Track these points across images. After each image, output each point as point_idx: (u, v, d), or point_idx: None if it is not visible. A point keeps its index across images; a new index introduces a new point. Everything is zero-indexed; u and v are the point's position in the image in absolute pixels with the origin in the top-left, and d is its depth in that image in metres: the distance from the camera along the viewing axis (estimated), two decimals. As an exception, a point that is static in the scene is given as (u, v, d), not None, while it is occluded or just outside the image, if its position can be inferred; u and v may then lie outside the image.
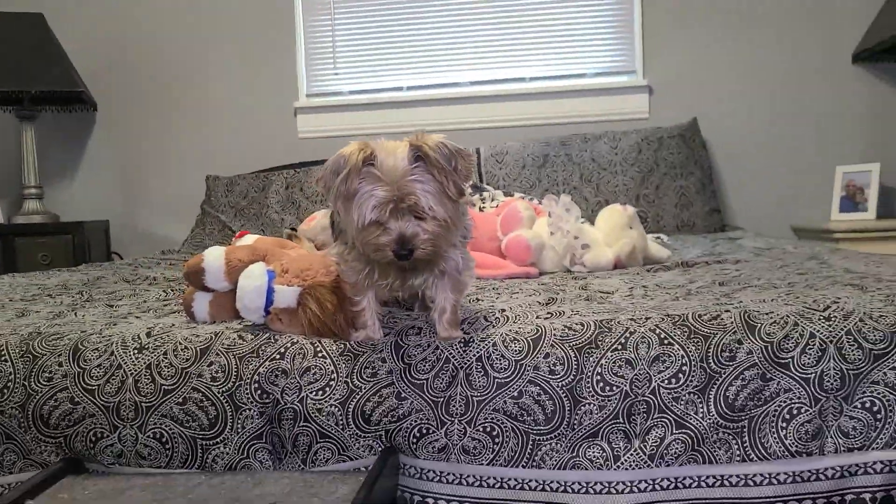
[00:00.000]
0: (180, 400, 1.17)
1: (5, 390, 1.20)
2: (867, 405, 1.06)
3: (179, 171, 3.60)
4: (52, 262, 3.14)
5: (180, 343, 1.21)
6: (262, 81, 3.55)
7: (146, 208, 3.64)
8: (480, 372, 1.13)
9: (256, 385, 1.17)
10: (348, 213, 1.07)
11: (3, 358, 1.23)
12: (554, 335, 1.14)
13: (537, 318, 1.22)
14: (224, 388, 1.17)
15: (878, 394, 1.06)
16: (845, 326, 1.09)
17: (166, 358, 1.20)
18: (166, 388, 1.18)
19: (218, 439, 1.17)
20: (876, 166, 3.05)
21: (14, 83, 3.17)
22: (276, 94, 3.54)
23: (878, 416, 1.05)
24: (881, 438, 1.05)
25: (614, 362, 1.11)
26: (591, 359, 1.11)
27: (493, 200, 2.45)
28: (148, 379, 1.19)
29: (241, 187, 3.35)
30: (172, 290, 1.76)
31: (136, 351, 1.21)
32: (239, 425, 1.16)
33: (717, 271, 1.66)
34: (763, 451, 1.06)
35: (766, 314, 1.12)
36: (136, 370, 1.19)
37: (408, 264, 1.09)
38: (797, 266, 1.64)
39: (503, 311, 1.27)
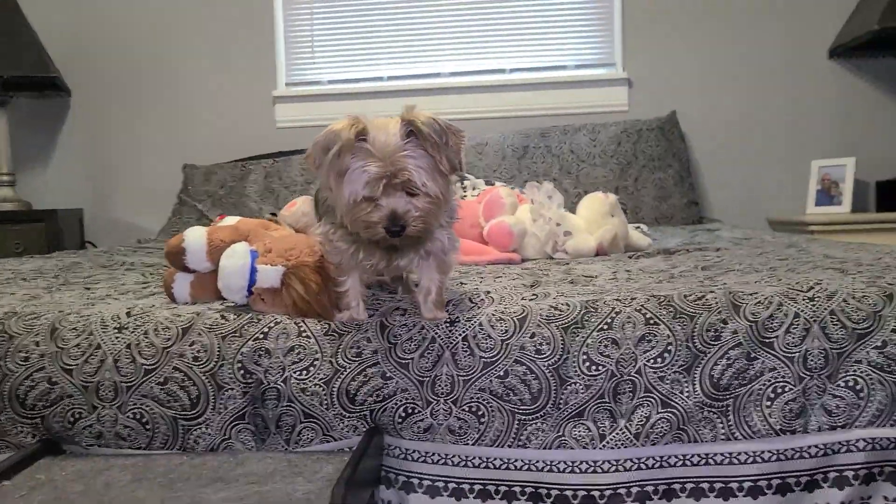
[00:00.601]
0: (161, 380, 1.15)
1: (-20, 371, 1.17)
2: (850, 384, 1.07)
3: (155, 159, 3.54)
4: (24, 250, 3.08)
5: (161, 322, 1.19)
6: (241, 70, 3.51)
7: (121, 197, 3.58)
8: (466, 351, 1.13)
9: (239, 365, 1.15)
10: (339, 189, 1.06)
11: (-23, 338, 1.20)
12: (540, 315, 1.14)
13: (522, 299, 1.22)
14: (206, 368, 1.15)
15: (862, 372, 1.07)
16: (829, 306, 1.10)
17: (147, 337, 1.18)
18: (147, 367, 1.16)
19: (199, 419, 1.15)
20: (851, 160, 3.09)
21: (-15, 68, 3.10)
22: (254, 82, 3.50)
23: (861, 395, 1.07)
24: (864, 417, 1.06)
25: (600, 342, 1.11)
26: (577, 338, 1.11)
27: (474, 189, 2.44)
28: (128, 359, 1.16)
29: (219, 176, 3.31)
30: (151, 275, 1.73)
31: (115, 330, 1.19)
32: (221, 405, 1.15)
33: (699, 258, 1.67)
34: (748, 430, 1.07)
35: (751, 294, 1.13)
36: (115, 350, 1.17)
37: (398, 241, 1.08)
38: (777, 253, 1.66)
39: (488, 292, 1.27)
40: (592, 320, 1.13)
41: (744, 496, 1.06)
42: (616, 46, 3.39)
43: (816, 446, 1.06)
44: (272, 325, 1.18)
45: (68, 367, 1.17)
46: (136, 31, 3.52)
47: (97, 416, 1.15)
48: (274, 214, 2.12)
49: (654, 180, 3.09)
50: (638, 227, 2.36)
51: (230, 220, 1.47)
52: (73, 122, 3.57)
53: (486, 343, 1.13)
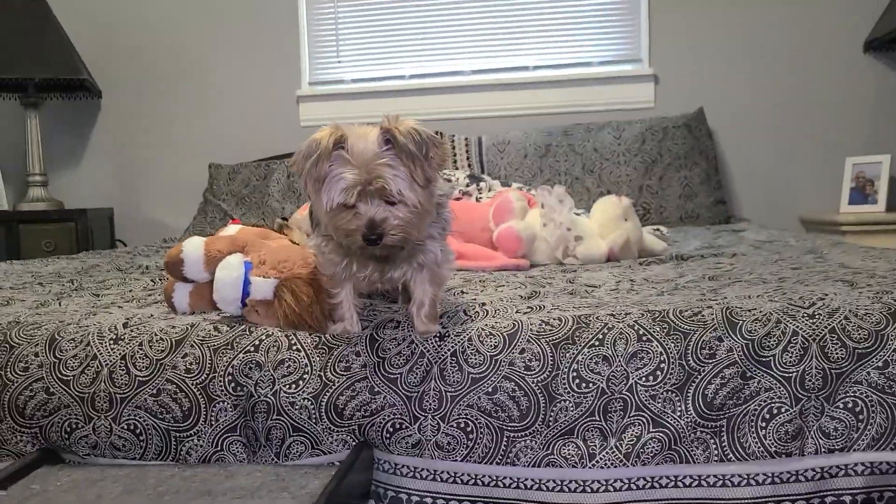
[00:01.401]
0: (154, 391, 1.16)
1: (-19, 380, 1.20)
2: (849, 405, 1.03)
3: (182, 159, 3.59)
4: (55, 249, 3.15)
5: (156, 334, 1.20)
6: (266, 69, 3.53)
7: (150, 196, 3.64)
8: (455, 367, 1.11)
9: (230, 377, 1.15)
10: (318, 197, 1.06)
11: (-21, 347, 1.22)
12: (531, 330, 1.12)
13: (517, 312, 1.20)
14: (198, 380, 1.16)
15: (861, 394, 1.03)
16: (829, 324, 1.06)
17: (141, 349, 1.19)
18: (141, 379, 1.17)
19: (191, 431, 1.16)
20: (886, 158, 2.99)
21: (18, 70, 3.17)
22: (278, 82, 3.52)
23: (861, 417, 1.02)
24: (863, 440, 1.02)
25: (591, 358, 1.09)
26: (567, 355, 1.09)
27: (489, 191, 2.42)
28: (123, 370, 1.18)
29: (242, 176, 3.34)
30: (161, 280, 1.75)
31: (111, 342, 1.20)
32: (212, 418, 1.15)
33: (711, 265, 1.63)
34: (742, 452, 1.04)
35: (749, 311, 1.09)
36: (111, 361, 1.19)
37: (378, 250, 1.07)
38: (793, 260, 1.61)
39: (483, 304, 1.25)
40: (584, 336, 1.10)
41: (737, 520, 1.03)
42: (642, 42, 3.32)
43: (813, 470, 1.02)
44: (263, 337, 1.18)
45: (65, 378, 1.18)
46: (164, 33, 3.56)
47: (93, 426, 1.17)
48: (285, 220, 2.14)
49: (680, 179, 3.02)
50: (657, 230, 2.32)
51: (232, 229, 1.47)
52: (104, 124, 3.63)
53: (475, 359, 1.11)
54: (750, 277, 1.40)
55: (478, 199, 2.40)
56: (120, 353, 1.19)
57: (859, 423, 1.02)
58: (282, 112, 3.51)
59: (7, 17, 3.21)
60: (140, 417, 1.16)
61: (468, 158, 3.18)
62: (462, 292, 1.43)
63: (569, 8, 3.37)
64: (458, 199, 2.35)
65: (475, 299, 1.31)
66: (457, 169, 3.01)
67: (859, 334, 1.04)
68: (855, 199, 3.06)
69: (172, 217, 3.58)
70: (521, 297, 1.33)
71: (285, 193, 3.22)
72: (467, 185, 2.45)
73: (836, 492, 1.02)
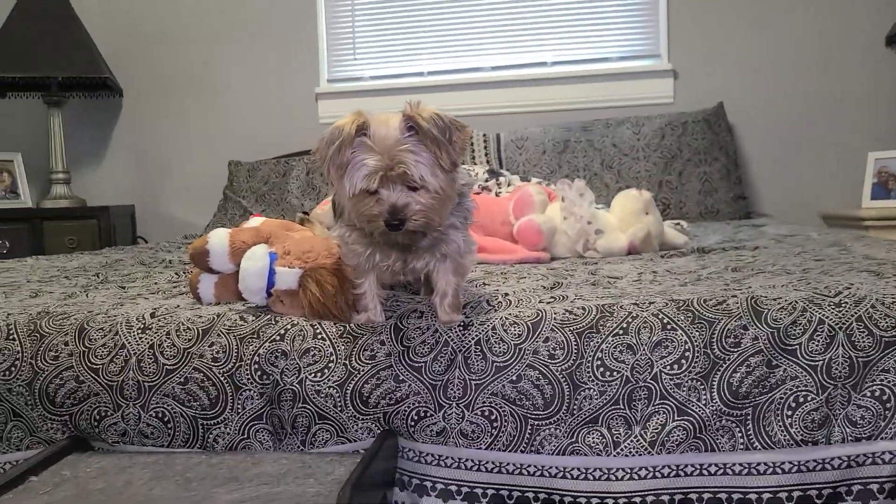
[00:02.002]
0: (182, 380, 1.18)
1: (13, 368, 1.22)
2: (877, 394, 1.02)
3: (203, 156, 3.62)
4: (78, 245, 3.18)
5: (183, 324, 1.22)
6: (284, 67, 3.55)
7: (170, 193, 3.68)
8: (479, 356, 1.12)
9: (256, 366, 1.17)
10: (341, 183, 1.07)
11: (10, 336, 1.24)
12: (554, 319, 1.12)
13: (540, 302, 1.20)
14: (225, 369, 1.17)
15: (889, 382, 1.02)
16: (856, 313, 1.05)
17: (169, 338, 1.20)
18: (168, 367, 1.18)
19: (219, 419, 1.17)
20: (909, 152, 2.96)
21: (41, 69, 3.21)
22: (297, 79, 3.54)
23: (888, 406, 1.02)
24: (890, 428, 1.02)
25: (615, 347, 1.09)
26: (591, 343, 1.10)
27: (509, 185, 2.42)
28: (151, 359, 1.19)
29: (262, 173, 3.36)
30: (185, 273, 1.77)
31: (139, 331, 1.22)
32: (239, 405, 1.17)
33: (733, 257, 1.63)
34: (768, 440, 1.04)
35: (774, 300, 1.09)
36: (139, 350, 1.20)
37: (400, 237, 1.08)
38: (816, 253, 1.60)
39: (506, 295, 1.26)
40: (608, 325, 1.11)
41: (762, 508, 1.02)
42: (661, 37, 3.31)
43: (840, 458, 1.02)
44: (289, 326, 1.19)
45: (95, 367, 1.20)
46: (184, 33, 3.60)
47: (121, 414, 1.19)
48: (306, 213, 2.15)
49: (700, 174, 3.01)
50: (678, 224, 2.31)
51: (255, 222, 1.49)
52: (125, 122, 3.67)
53: (499, 347, 1.12)
54: (773, 269, 1.40)
55: (497, 194, 2.40)
56: (148, 342, 1.21)
57: (886, 412, 1.02)
58: (300, 109, 3.53)
59: (30, 16, 3.25)
60: (168, 405, 1.18)
61: (486, 154, 3.19)
62: (484, 284, 1.43)
63: (587, 3, 3.37)
64: (476, 193, 2.36)
65: (497, 290, 1.32)
66: (475, 164, 3.02)
67: (886, 322, 1.04)
68: (878, 194, 3.03)
69: (193, 214, 3.61)
70: (544, 287, 1.34)
71: (304, 190, 3.24)
72: (486, 180, 2.45)
73: (863, 480, 1.01)
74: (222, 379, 1.17)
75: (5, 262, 2.06)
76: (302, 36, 3.52)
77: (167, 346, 1.20)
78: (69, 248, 3.16)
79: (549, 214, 1.89)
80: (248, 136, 3.58)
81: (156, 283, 1.63)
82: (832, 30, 3.16)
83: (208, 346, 1.19)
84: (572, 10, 3.38)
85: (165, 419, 1.18)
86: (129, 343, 1.21)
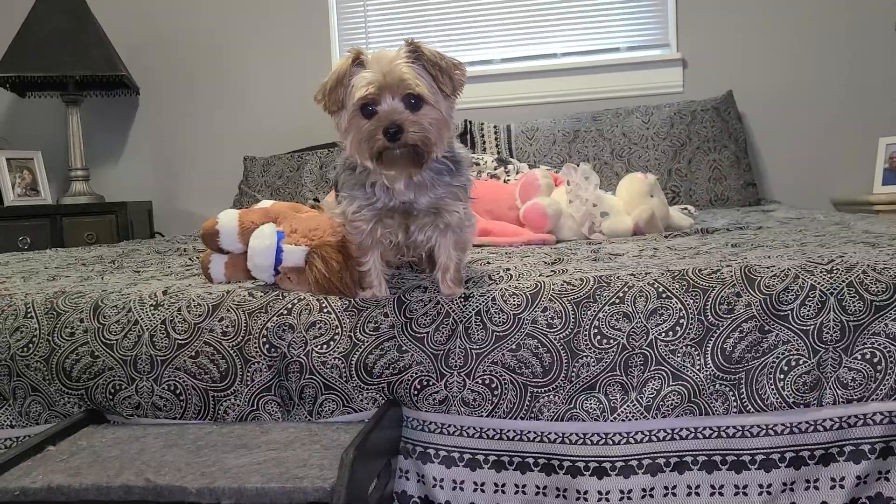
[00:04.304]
0: (193, 353, 1.22)
1: (31, 345, 1.27)
2: (867, 356, 1.04)
3: (218, 152, 3.68)
4: (96, 240, 3.24)
5: (193, 300, 1.26)
6: (297, 62, 3.59)
7: (187, 189, 3.73)
8: (479, 325, 1.15)
9: (264, 339, 1.20)
10: (340, 116, 1.10)
11: (28, 315, 1.29)
12: (552, 290, 1.15)
13: (540, 275, 1.23)
14: (234, 343, 1.21)
15: (879, 345, 1.04)
16: (847, 278, 1.07)
17: (180, 314, 1.24)
18: (180, 342, 1.23)
19: (228, 391, 1.21)
20: (921, 137, 2.95)
21: (59, 68, 3.27)
22: (310, 74, 3.57)
23: (879, 368, 1.04)
24: (881, 389, 1.04)
25: (612, 315, 1.11)
26: (588, 312, 1.12)
27: (517, 173, 2.45)
28: (163, 334, 1.23)
29: (276, 167, 3.41)
30: (198, 258, 1.81)
31: (152, 308, 1.26)
32: (248, 378, 1.20)
33: (735, 236, 1.64)
34: (760, 403, 1.06)
35: (768, 268, 1.11)
36: (151, 325, 1.24)
37: (399, 156, 1.07)
38: (817, 231, 1.61)
39: (507, 270, 1.29)
40: (605, 294, 1.13)
41: (756, 469, 1.05)
42: (670, 26, 3.32)
43: (831, 419, 1.04)
44: (296, 301, 1.23)
45: (109, 342, 1.24)
46: (198, 31, 3.65)
47: (135, 387, 1.23)
48: (317, 200, 2.19)
49: (709, 162, 3.02)
50: (685, 209, 2.33)
51: (265, 204, 1.53)
52: (142, 120, 3.73)
53: (499, 317, 1.15)
54: (772, 244, 1.41)
55: (505, 181, 2.43)
56: (160, 318, 1.25)
57: (877, 374, 1.04)
58: (314, 105, 3.55)
59: (47, 16, 3.32)
60: (180, 378, 1.22)
61: (497, 146, 3.21)
62: (487, 263, 1.47)
63: (596, -6, 3.38)
64: (484, 181, 2.39)
65: (500, 267, 1.35)
66: (485, 153, 3.05)
67: (877, 287, 1.06)
68: (889, 180, 3.02)
69: (209, 209, 3.66)
70: (545, 263, 1.37)
71: (318, 184, 3.28)
72: (495, 168, 2.48)
73: (855, 441, 1.03)
74: (232, 352, 1.21)
75: (25, 254, 2.12)
76: (314, 31, 3.56)
77: (178, 322, 1.24)
78: (88, 243, 3.23)
79: (555, 198, 1.92)
80: (262, 131, 3.63)
81: (169, 268, 1.68)
82: (841, 15, 3.15)
83: (218, 321, 1.23)
84: (581, 0, 3.40)
85: (177, 392, 1.22)
86: (142, 319, 1.25)
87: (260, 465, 1.03)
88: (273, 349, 1.20)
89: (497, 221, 1.95)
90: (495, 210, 2.00)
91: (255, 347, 1.20)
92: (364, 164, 1.12)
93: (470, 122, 3.26)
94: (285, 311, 1.22)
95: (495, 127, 3.24)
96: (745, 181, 3.02)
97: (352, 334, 1.18)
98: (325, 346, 1.18)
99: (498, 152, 3.19)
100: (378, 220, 1.18)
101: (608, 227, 1.86)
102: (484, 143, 3.22)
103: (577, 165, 1.94)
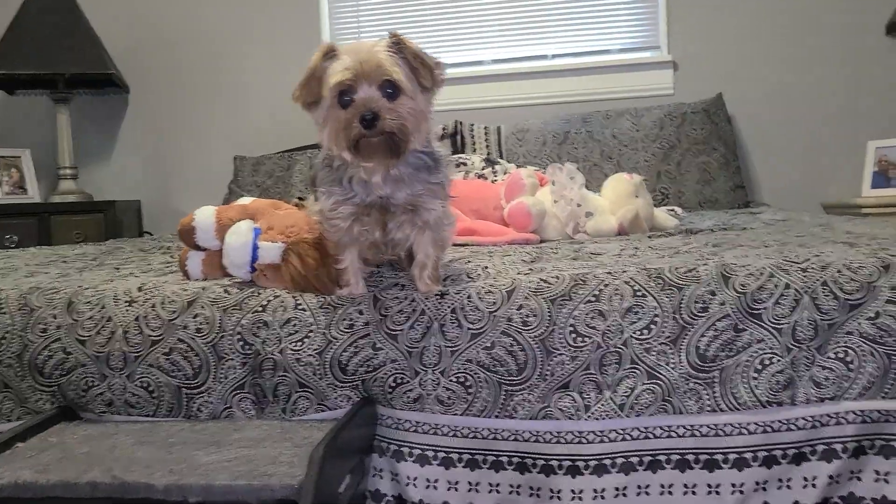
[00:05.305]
0: (166, 350, 1.21)
1: (3, 341, 1.26)
2: (840, 355, 1.04)
3: (208, 152, 3.66)
4: (85, 239, 3.23)
5: (168, 297, 1.25)
6: (288, 62, 3.56)
7: (177, 188, 3.72)
8: (454, 323, 1.14)
9: (239, 336, 1.20)
10: (317, 111, 1.10)
11: (1, 310, 1.28)
12: (528, 287, 1.14)
13: (518, 273, 1.22)
14: (208, 340, 1.20)
15: (852, 344, 1.04)
16: (821, 277, 1.06)
17: (154, 310, 1.24)
18: (153, 339, 1.22)
19: (202, 388, 1.20)
20: (909, 140, 2.95)
21: (48, 66, 3.26)
22: (302, 75, 3.57)
23: (852, 367, 1.03)
24: (853, 389, 1.03)
25: (587, 314, 1.11)
26: (563, 310, 1.11)
27: (505, 173, 2.44)
28: (136, 330, 1.22)
29: (266, 167, 3.40)
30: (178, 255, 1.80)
31: (126, 304, 1.25)
32: (222, 375, 1.20)
33: (719, 237, 1.64)
34: (734, 402, 1.05)
35: (743, 266, 1.11)
36: (125, 322, 1.23)
37: (376, 144, 1.06)
38: (800, 231, 1.61)
39: (486, 268, 1.28)
40: (580, 292, 1.13)
41: (729, 468, 1.04)
42: (661, 29, 3.32)
43: (804, 418, 1.03)
44: (271, 298, 1.22)
45: (82, 338, 1.23)
46: (189, 29, 3.64)
47: (108, 384, 1.22)
48: (301, 199, 2.18)
49: (698, 164, 3.01)
50: (672, 210, 2.32)
51: (245, 201, 1.52)
52: (132, 118, 3.72)
53: (474, 315, 1.14)
54: (752, 244, 1.41)
55: (493, 182, 2.42)
56: (134, 315, 1.24)
57: (850, 373, 1.03)
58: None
59: (37, 15, 3.31)
60: (153, 375, 1.21)
61: (487, 147, 3.20)
62: (468, 261, 1.46)
63: (587, -4, 3.38)
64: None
65: (479, 265, 1.34)
66: (475, 153, 3.04)
67: (851, 286, 1.05)
68: (878, 183, 3.02)
69: (198, 209, 3.64)
70: (524, 261, 1.36)
71: (308, 183, 3.28)
72: (483, 168, 2.48)
73: (828, 440, 1.03)
74: (206, 349, 1.20)
75: (8, 251, 2.10)
76: (306, 32, 3.56)
77: (152, 318, 1.23)
78: (76, 242, 3.21)
79: (540, 197, 1.91)
80: (253, 131, 3.62)
81: (149, 265, 1.67)
82: (831, 18, 3.16)
83: (192, 318, 1.22)
84: (572, 2, 3.40)
85: (150, 389, 1.21)
86: (116, 315, 1.24)
87: (229, 463, 1.02)
88: (247, 346, 1.19)
89: (482, 221, 1.94)
90: (481, 209, 2.00)
91: (230, 344, 1.20)
92: (341, 156, 1.11)
93: (460, 123, 3.25)
94: (260, 308, 1.21)
95: (486, 128, 3.23)
96: (735, 184, 3.01)
97: (326, 332, 1.17)
98: (299, 344, 1.18)
99: (488, 153, 3.18)
100: (356, 218, 1.17)
101: (593, 227, 1.85)
102: (474, 143, 3.21)
103: (563, 165, 1.93)
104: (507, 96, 3.44)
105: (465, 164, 2.53)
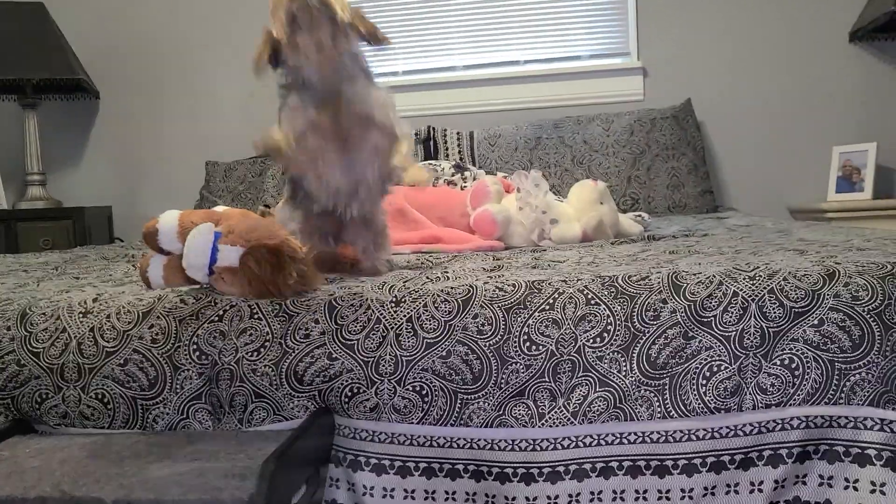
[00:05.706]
0: (121, 361, 1.20)
1: (-44, 353, 1.24)
2: (786, 362, 1.05)
3: (180, 157, 3.65)
4: (53, 246, 3.20)
5: (123, 307, 1.24)
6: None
7: (148, 194, 3.70)
8: (410, 332, 1.14)
9: (195, 346, 1.19)
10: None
11: (-45, 322, 1.26)
12: (484, 296, 1.15)
13: (477, 280, 1.23)
14: (164, 350, 1.20)
15: (798, 351, 1.05)
16: (768, 285, 1.08)
17: (109, 321, 1.23)
18: (108, 349, 1.21)
19: (157, 399, 1.19)
20: (872, 146, 3.00)
21: (16, 72, 3.23)
22: (273, 79, 3.56)
23: (797, 373, 1.05)
24: (798, 395, 1.05)
25: (541, 322, 1.12)
26: (518, 319, 1.12)
27: (474, 179, 2.45)
28: (91, 342, 1.22)
29: (238, 173, 3.39)
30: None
31: (80, 315, 1.24)
32: (178, 385, 1.19)
33: (679, 244, 1.66)
34: (683, 408, 1.06)
35: (694, 275, 1.12)
36: (80, 333, 1.22)
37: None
38: (758, 238, 1.63)
39: (445, 274, 1.28)
40: (535, 301, 1.13)
41: (679, 474, 1.05)
42: (630, 35, 3.35)
43: (751, 424, 1.05)
44: (227, 307, 1.22)
45: (36, 350, 1.22)
46: (160, 34, 3.63)
47: (62, 396, 1.21)
48: (267, 206, 2.18)
49: (667, 169, 3.04)
50: (639, 216, 2.35)
51: (218, 209, 1.51)
52: (102, 124, 3.69)
53: (430, 324, 1.14)
54: (708, 251, 1.43)
55: (462, 189, 2.43)
56: (88, 326, 1.23)
57: (795, 379, 1.05)
58: (276, 110, 3.55)
59: (5, 19, 3.28)
60: (108, 387, 1.20)
61: (460, 152, 3.22)
62: (429, 268, 1.46)
63: (558, 2, 3.40)
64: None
65: (437, 273, 1.34)
66: (447, 159, 3.05)
67: (797, 294, 1.07)
68: (842, 188, 3.07)
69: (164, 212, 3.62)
70: (484, 269, 1.37)
71: (280, 189, 3.27)
72: (452, 175, 2.49)
73: (774, 445, 1.04)
74: (161, 360, 1.19)
75: (-30, 259, 2.08)
76: (276, 37, 3.55)
77: (107, 329, 1.22)
78: (44, 248, 3.18)
79: (505, 204, 1.93)
80: (225, 136, 3.61)
81: (110, 275, 1.66)
82: (797, 26, 3.21)
83: (148, 328, 1.21)
84: (543, 9, 3.42)
85: (105, 400, 1.20)
86: (70, 327, 1.23)
87: (181, 477, 1.01)
88: (203, 356, 1.19)
89: (448, 228, 1.95)
90: (448, 217, 2.01)
91: (186, 355, 1.19)
92: None
93: (433, 128, 3.26)
94: (217, 318, 1.21)
95: (458, 133, 3.25)
96: (703, 189, 3.05)
97: (282, 341, 1.17)
98: (255, 354, 1.17)
99: (460, 158, 3.19)
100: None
101: (557, 235, 1.86)
102: (447, 149, 3.22)
103: (528, 172, 1.95)
104: (480, 102, 3.46)
105: (434, 171, 2.54)
